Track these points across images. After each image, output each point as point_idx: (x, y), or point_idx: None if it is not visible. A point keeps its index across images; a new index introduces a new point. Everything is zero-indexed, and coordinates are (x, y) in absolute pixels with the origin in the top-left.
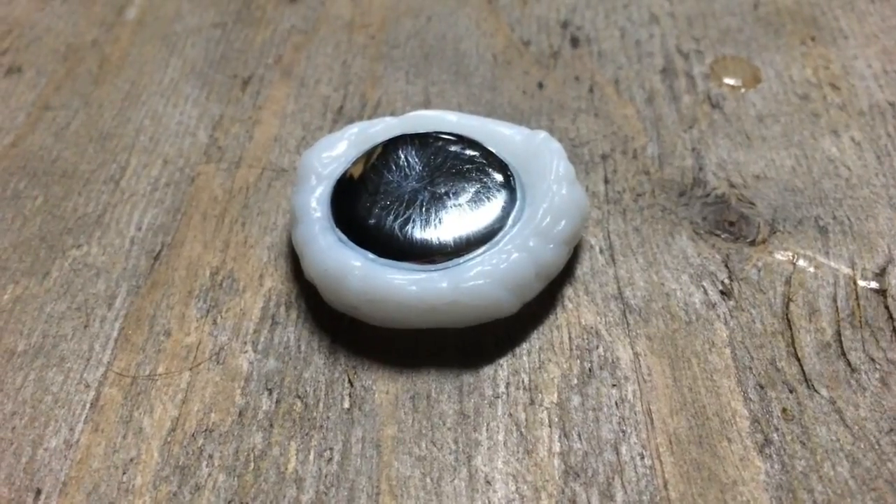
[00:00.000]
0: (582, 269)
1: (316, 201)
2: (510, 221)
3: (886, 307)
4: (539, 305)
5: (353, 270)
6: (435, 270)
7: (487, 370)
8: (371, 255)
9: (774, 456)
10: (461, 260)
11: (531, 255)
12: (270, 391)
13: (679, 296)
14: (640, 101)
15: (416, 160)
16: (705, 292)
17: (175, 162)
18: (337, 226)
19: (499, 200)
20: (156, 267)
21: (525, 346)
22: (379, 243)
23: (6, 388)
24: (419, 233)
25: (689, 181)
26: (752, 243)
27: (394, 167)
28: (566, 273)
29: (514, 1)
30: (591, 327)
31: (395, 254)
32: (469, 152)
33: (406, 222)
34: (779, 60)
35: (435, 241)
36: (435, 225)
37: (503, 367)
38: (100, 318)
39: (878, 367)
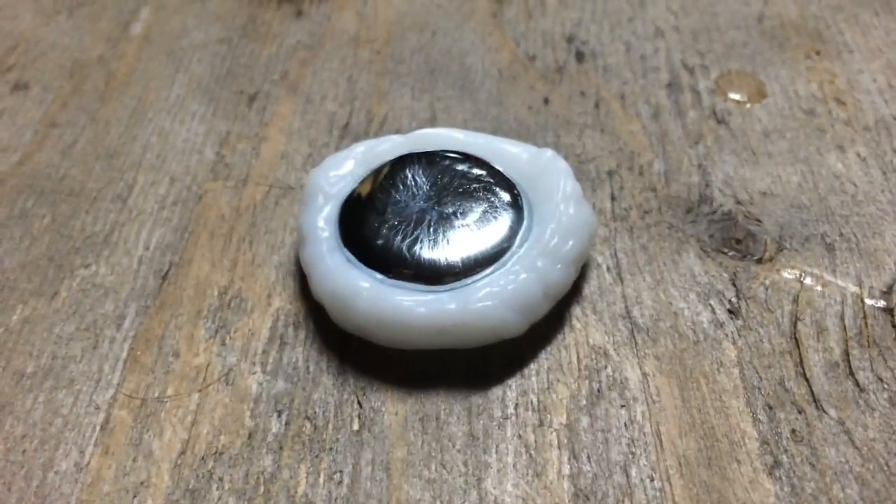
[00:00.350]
0: (590, 288)
1: (324, 220)
2: (517, 241)
3: (894, 326)
4: (547, 325)
5: (361, 291)
6: (443, 291)
7: (496, 391)
8: (379, 276)
9: (784, 478)
10: (469, 281)
11: (539, 275)
12: (280, 413)
13: (687, 315)
14: (645, 116)
15: (424, 179)
16: (713, 311)
17: (182, 180)
18: (345, 245)
19: (506, 220)
20: (164, 287)
21: (533, 366)
22: (387, 264)
23: (16, 411)
24: (427, 253)
25: (695, 198)
26: (760, 261)
27: (401, 186)
28: (574, 292)
29: (520, 15)
30: (600, 347)
31: (403, 275)
32: (476, 171)
33: (414, 242)
34: (784, 75)
35: (443, 261)
36: (443, 245)
37: (511, 388)
38: (109, 339)
39: (886, 386)
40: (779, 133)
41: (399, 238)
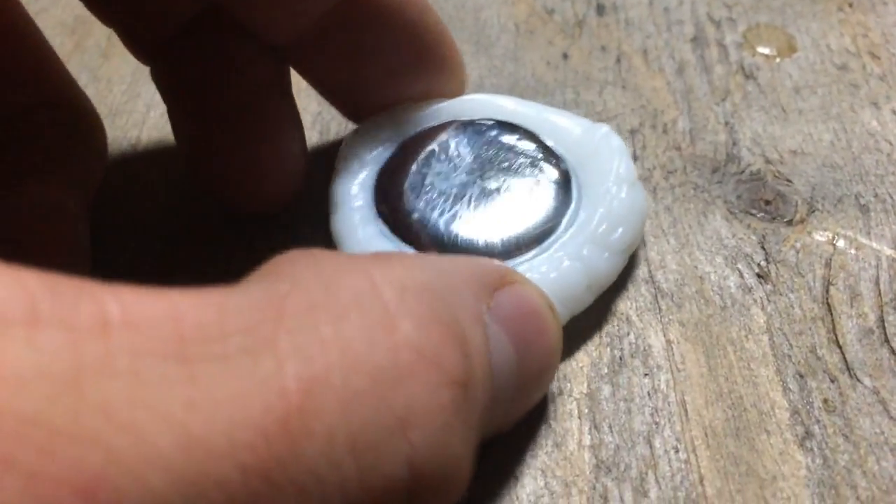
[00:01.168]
0: None
1: (358, 187)
2: (563, 225)
3: None
4: None
5: None
6: None
7: None
8: (413, 252)
9: (816, 450)
10: (509, 264)
11: (584, 264)
12: None
13: (713, 279)
14: (669, 72)
15: (468, 150)
16: (741, 275)
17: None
18: (379, 216)
19: (552, 200)
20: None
21: None
22: (422, 240)
23: None
24: (466, 231)
25: (722, 157)
26: (790, 223)
27: (443, 156)
28: None
29: None
30: (622, 313)
31: (440, 252)
32: (523, 145)
33: (452, 219)
34: (815, 28)
35: (482, 242)
36: (482, 224)
37: None
38: None
39: None
40: (810, 89)
41: (437, 213)
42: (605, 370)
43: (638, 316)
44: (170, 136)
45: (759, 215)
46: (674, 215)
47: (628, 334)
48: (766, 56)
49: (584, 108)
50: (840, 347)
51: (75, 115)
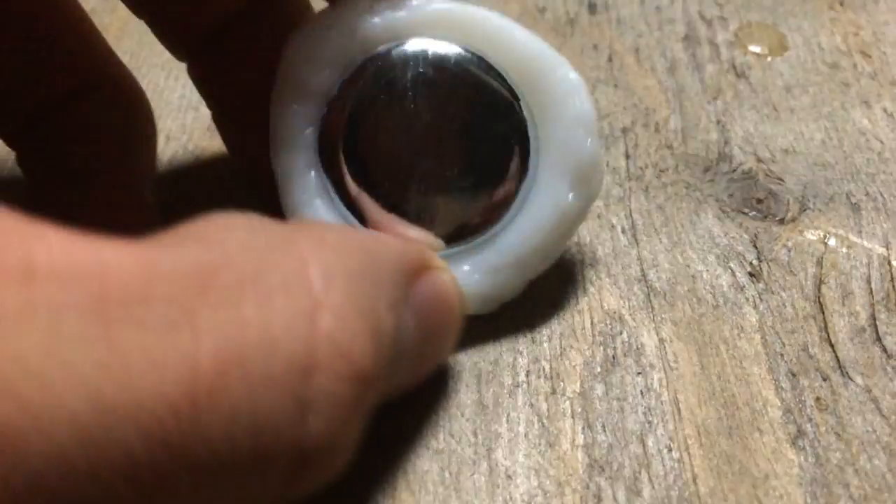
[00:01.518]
0: (604, 250)
1: (302, 124)
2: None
3: None
4: (559, 289)
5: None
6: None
7: (506, 357)
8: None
9: (808, 448)
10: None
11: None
12: None
13: (705, 278)
14: (661, 70)
15: (424, 95)
16: (733, 274)
17: (178, 138)
18: (325, 174)
19: (512, 168)
20: None
21: (545, 331)
22: (366, 216)
23: None
24: (414, 210)
25: (714, 156)
26: (782, 222)
27: (397, 107)
28: (587, 255)
29: None
30: (614, 312)
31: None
32: (486, 91)
33: (402, 193)
34: (806, 27)
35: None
36: (438, 203)
37: (523, 355)
38: None
39: None
40: (801, 88)
41: (385, 186)
42: (598, 369)
43: (630, 315)
44: (160, 133)
45: (750, 214)
46: (666, 214)
47: (621, 333)
48: (758, 55)
49: None
50: (832, 346)
51: (125, 97)
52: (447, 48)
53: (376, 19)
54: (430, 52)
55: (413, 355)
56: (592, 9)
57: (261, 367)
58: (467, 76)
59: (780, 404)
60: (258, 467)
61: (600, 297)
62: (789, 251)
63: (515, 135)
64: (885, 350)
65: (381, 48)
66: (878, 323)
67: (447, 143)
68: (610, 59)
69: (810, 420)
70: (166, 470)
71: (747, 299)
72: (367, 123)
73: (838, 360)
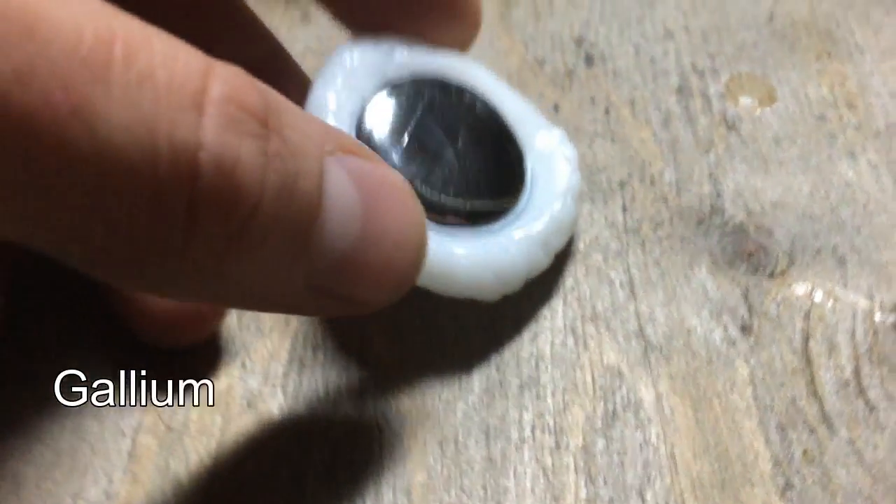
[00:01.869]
0: (603, 305)
1: (336, 116)
2: (514, 212)
3: None
4: (562, 344)
5: None
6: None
7: (513, 413)
8: None
9: (796, 500)
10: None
11: (523, 255)
12: (300, 438)
13: (700, 332)
14: (656, 123)
15: (449, 112)
16: (725, 329)
17: None
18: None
19: (516, 184)
20: None
21: (549, 386)
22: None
23: (44, 438)
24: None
25: (707, 209)
26: (771, 275)
27: (428, 114)
28: (587, 309)
29: (527, 16)
30: (614, 366)
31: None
32: (497, 125)
33: (428, 176)
34: (794, 78)
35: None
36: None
37: (528, 410)
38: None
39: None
40: (790, 139)
41: (415, 168)
42: (600, 423)
43: (629, 369)
44: None
45: (742, 268)
46: (662, 268)
47: (620, 387)
48: (748, 106)
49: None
50: (818, 399)
51: (286, 74)
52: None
53: (418, 54)
54: (449, 83)
55: (359, 223)
56: (589, 61)
57: (165, 72)
58: (479, 102)
59: (769, 457)
60: (146, 174)
61: (600, 351)
62: (778, 305)
63: (518, 156)
64: (867, 403)
65: (400, 80)
66: (861, 376)
67: (465, 148)
68: (607, 112)
69: (798, 472)
70: None
71: (739, 353)
72: (390, 130)
73: (824, 413)
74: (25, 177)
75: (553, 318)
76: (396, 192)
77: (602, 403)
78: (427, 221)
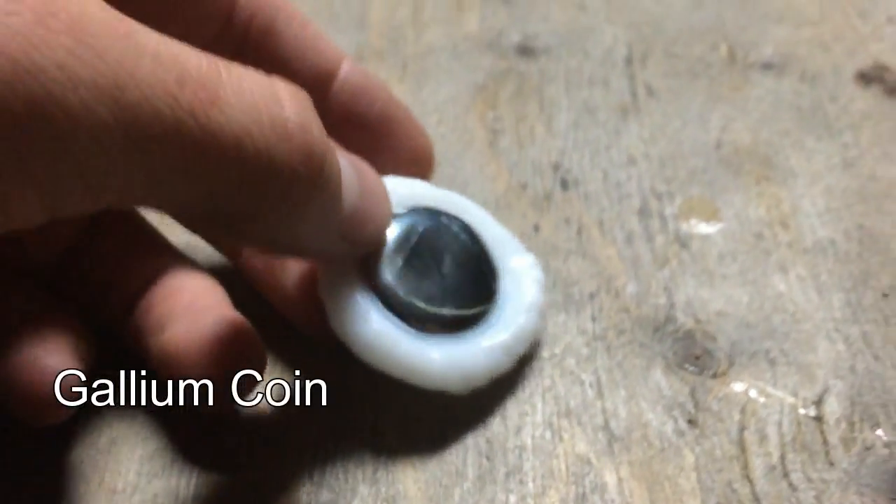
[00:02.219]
0: (575, 403)
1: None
2: (487, 321)
3: (822, 432)
4: (541, 436)
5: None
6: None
7: (500, 496)
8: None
9: None
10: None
11: (486, 356)
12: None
13: (655, 425)
14: (620, 241)
15: (436, 240)
16: (675, 422)
17: None
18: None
19: (490, 303)
20: None
21: (531, 473)
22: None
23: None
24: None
25: (662, 318)
26: (714, 375)
27: (422, 245)
28: (562, 406)
29: (512, 145)
30: (584, 455)
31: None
32: (475, 249)
33: (417, 293)
34: (737, 200)
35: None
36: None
37: (513, 493)
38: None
39: (813, 486)
40: (731, 256)
41: (410, 290)
42: None
43: (596, 458)
44: None
45: (690, 369)
46: (624, 369)
47: (589, 473)
48: (697, 226)
49: (553, 274)
50: (750, 482)
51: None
52: (451, 215)
53: (399, 193)
54: (441, 214)
55: (357, 196)
56: (564, 185)
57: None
58: (465, 230)
59: None
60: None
61: (573, 442)
62: (719, 401)
63: (493, 276)
64: (790, 484)
65: (399, 212)
66: (786, 461)
67: (448, 269)
68: (579, 232)
69: None
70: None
71: (686, 443)
72: (391, 252)
73: (755, 494)
74: (183, 165)
75: (534, 414)
76: (370, 171)
77: (574, 487)
78: (410, 329)
